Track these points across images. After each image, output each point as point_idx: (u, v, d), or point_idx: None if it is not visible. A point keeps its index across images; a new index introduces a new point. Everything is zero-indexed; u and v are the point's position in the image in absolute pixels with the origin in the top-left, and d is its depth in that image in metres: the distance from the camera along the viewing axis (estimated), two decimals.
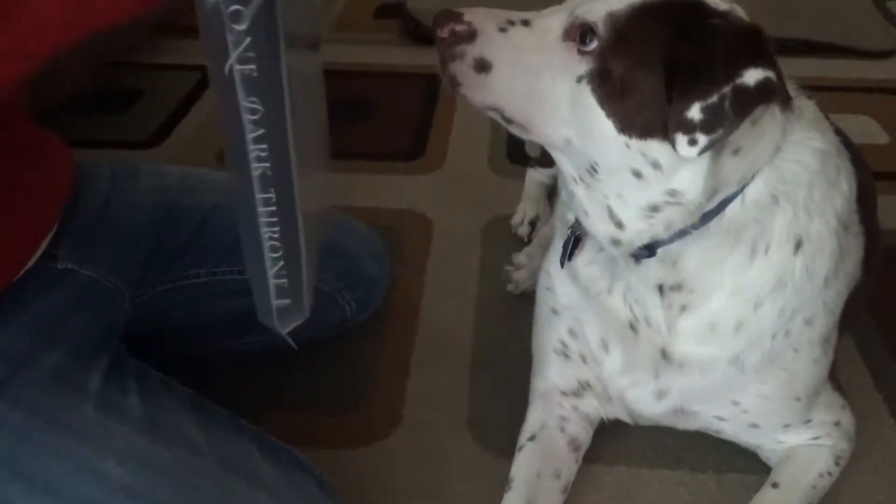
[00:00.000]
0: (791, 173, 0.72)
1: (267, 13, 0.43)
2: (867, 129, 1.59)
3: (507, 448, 0.94)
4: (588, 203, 0.73)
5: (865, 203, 0.83)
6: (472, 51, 0.69)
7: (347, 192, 1.40)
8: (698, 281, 0.74)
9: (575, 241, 0.82)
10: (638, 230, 0.71)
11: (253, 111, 0.45)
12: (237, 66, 0.44)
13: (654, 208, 0.69)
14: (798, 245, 0.73)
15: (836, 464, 0.86)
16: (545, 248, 1.16)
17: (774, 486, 0.85)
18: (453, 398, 1.01)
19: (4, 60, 0.50)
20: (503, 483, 0.90)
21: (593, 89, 0.66)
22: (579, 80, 0.67)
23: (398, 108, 1.70)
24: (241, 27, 0.43)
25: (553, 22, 0.69)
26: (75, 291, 0.76)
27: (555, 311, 0.88)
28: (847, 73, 1.81)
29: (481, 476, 0.91)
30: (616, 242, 0.73)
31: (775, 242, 0.72)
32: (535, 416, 0.91)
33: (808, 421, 0.84)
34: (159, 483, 0.66)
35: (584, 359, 0.87)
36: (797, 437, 0.85)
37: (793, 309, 0.75)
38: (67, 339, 0.72)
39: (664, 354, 0.78)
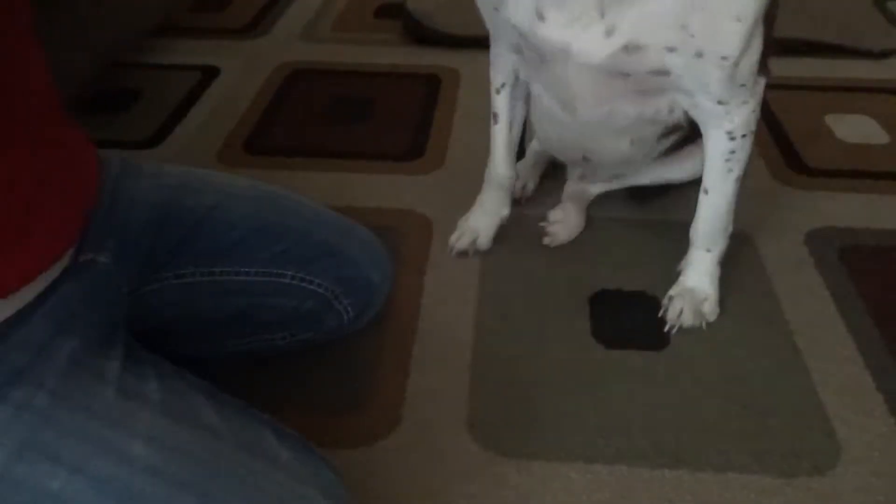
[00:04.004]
0: None
1: None
2: (867, 129, 1.59)
3: (507, 448, 0.94)
4: None
5: None
6: None
7: (347, 192, 1.40)
8: None
9: None
10: None
11: None
12: None
13: None
14: None
15: (732, 138, 0.97)
16: (579, 202, 1.28)
17: (705, 192, 1.03)
18: (453, 398, 1.02)
19: None
20: (503, 483, 0.90)
21: None
22: None
23: (398, 108, 1.70)
24: None
25: None
26: (90, 281, 0.77)
27: None
28: (847, 73, 1.81)
29: (481, 476, 0.91)
30: None
31: None
32: (499, 69, 1.08)
33: (737, 65, 0.88)
34: (183, 463, 0.67)
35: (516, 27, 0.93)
36: (724, 88, 0.90)
37: None
38: (83, 327, 0.73)
39: None
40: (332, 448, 0.94)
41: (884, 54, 1.91)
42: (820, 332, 1.11)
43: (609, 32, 0.84)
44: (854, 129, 1.59)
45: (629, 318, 1.14)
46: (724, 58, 0.86)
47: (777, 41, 1.88)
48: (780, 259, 1.24)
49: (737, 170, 1.02)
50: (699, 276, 1.12)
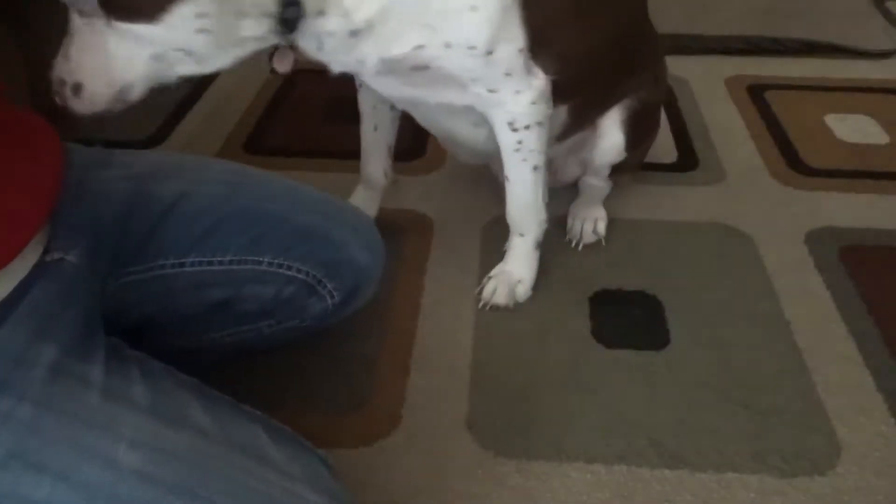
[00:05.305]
0: None
1: None
2: (867, 129, 1.59)
3: (507, 448, 0.94)
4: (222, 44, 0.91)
5: None
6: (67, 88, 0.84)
7: (347, 192, 1.40)
8: None
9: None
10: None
11: None
12: None
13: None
14: None
15: (514, 129, 1.00)
16: (584, 196, 1.32)
17: (507, 179, 1.07)
18: (453, 398, 1.02)
19: None
20: (503, 483, 0.90)
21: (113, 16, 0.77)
22: (108, 24, 0.78)
23: None
24: None
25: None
26: (60, 282, 0.74)
27: None
28: (847, 73, 1.81)
29: (481, 476, 0.91)
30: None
31: None
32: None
33: (491, 53, 0.90)
34: (171, 465, 0.66)
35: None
36: (487, 76, 0.93)
37: None
38: (60, 331, 0.71)
39: (353, 34, 0.87)
40: (332, 448, 0.93)
41: (884, 54, 1.91)
42: (820, 332, 1.11)
43: (361, 63, 0.91)
44: (854, 129, 1.60)
45: (629, 318, 1.14)
46: (470, 47, 0.89)
47: (778, 41, 1.89)
48: (780, 259, 1.24)
49: (531, 160, 1.04)
50: (515, 259, 1.17)
